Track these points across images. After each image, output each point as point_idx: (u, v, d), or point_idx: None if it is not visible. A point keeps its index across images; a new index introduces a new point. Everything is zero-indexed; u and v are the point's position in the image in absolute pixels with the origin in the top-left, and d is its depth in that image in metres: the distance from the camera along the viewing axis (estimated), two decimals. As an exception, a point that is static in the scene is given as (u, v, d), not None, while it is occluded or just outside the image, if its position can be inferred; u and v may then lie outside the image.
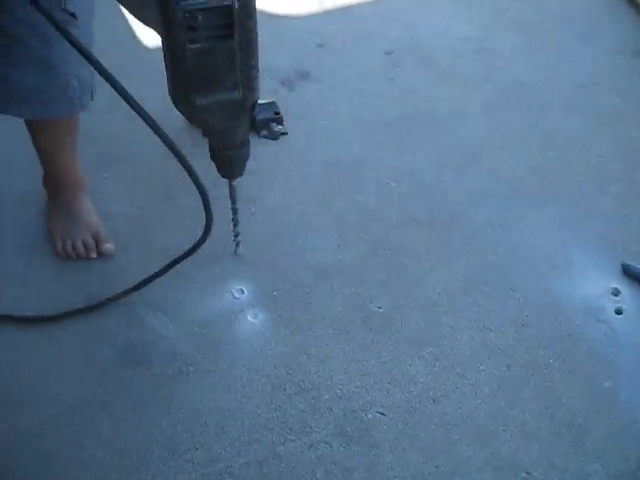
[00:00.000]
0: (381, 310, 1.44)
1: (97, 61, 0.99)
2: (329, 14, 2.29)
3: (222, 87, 1.00)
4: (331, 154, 1.78)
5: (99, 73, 1.00)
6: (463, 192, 1.70)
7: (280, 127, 1.81)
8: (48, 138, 1.48)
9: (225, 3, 0.93)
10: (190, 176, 1.10)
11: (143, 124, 1.03)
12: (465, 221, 1.63)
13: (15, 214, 1.61)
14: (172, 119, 1.15)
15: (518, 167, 1.77)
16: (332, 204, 1.65)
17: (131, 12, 1.54)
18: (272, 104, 1.83)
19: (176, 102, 1.02)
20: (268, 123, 1.80)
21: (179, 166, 1.09)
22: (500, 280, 1.50)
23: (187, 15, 0.91)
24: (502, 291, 1.48)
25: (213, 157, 1.20)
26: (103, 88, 1.06)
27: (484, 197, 1.69)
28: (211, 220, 1.20)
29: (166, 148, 1.07)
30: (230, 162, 1.21)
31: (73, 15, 1.20)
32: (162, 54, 0.98)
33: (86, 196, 1.59)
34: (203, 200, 1.15)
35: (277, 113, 1.82)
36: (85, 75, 1.29)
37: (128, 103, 1.01)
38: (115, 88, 1.00)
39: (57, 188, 1.58)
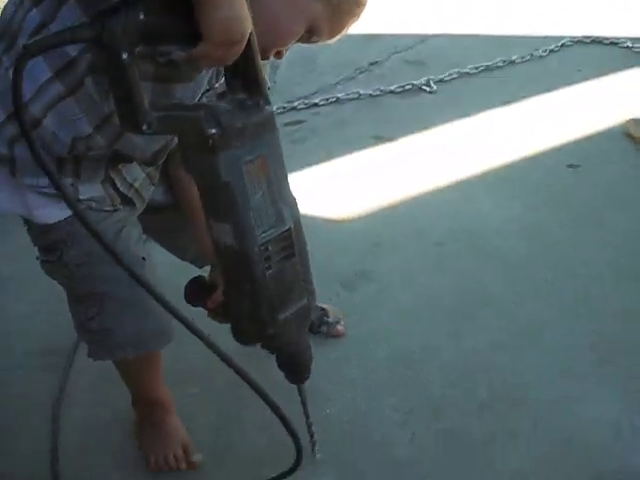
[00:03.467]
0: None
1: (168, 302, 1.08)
2: (380, 214, 2.51)
3: (294, 298, 1.18)
4: (396, 349, 1.91)
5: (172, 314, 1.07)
6: (522, 373, 1.79)
7: (332, 318, 1.93)
8: (136, 367, 1.59)
9: (286, 227, 1.12)
10: (268, 404, 1.19)
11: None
12: (526, 402, 1.70)
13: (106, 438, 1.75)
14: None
15: (575, 343, 1.86)
16: (401, 397, 1.76)
17: (170, 250, 1.75)
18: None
19: (260, 330, 1.17)
20: (322, 318, 1.92)
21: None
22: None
23: (262, 248, 1.09)
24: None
25: (283, 365, 1.33)
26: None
27: (542, 376, 1.77)
28: (300, 450, 1.30)
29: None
30: (301, 366, 1.35)
31: (143, 258, 1.39)
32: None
33: (175, 412, 1.71)
34: (286, 427, 1.23)
35: (322, 309, 1.92)
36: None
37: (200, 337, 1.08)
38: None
39: (148, 408, 1.69)
